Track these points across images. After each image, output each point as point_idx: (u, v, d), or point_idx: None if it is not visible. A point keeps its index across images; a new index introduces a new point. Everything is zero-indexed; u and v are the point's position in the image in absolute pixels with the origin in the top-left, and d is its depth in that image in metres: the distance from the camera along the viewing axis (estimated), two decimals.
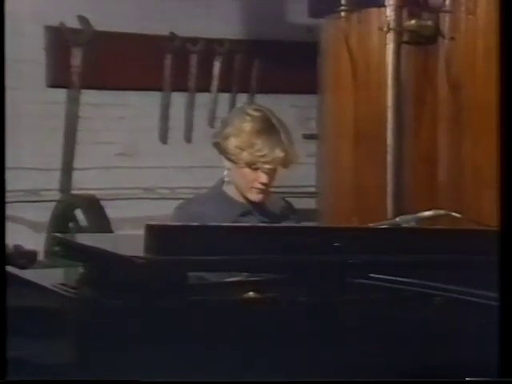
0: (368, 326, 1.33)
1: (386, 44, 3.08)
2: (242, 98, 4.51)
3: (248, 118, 2.33)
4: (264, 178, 2.32)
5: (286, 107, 4.49)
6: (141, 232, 1.46)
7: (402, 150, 3.07)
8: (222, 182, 2.43)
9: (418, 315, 1.38)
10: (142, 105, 4.44)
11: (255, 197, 2.37)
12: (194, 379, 1.30)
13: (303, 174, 4.45)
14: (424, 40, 3.08)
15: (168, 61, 4.44)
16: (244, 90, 4.50)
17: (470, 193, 2.88)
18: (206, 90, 4.46)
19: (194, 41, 4.46)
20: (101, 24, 4.26)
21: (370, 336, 1.30)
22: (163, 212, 4.42)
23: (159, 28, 4.38)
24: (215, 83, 4.47)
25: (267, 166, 2.31)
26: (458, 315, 1.37)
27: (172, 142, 4.48)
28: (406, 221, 2.02)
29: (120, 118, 4.45)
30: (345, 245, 1.47)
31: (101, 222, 3.96)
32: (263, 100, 4.47)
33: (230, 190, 2.39)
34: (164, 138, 4.48)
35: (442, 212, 2.07)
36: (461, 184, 2.92)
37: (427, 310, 1.40)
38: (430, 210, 2.03)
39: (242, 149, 2.31)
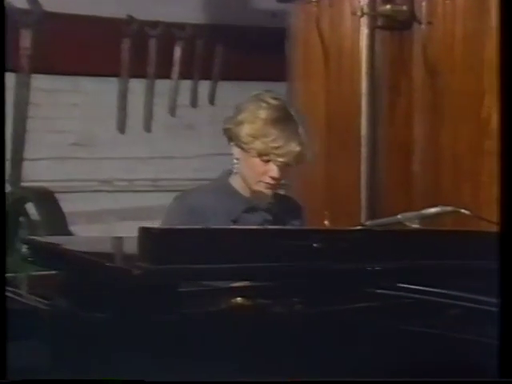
0: (364, 334, 1.30)
1: (359, 29, 3.08)
2: (204, 86, 4.48)
3: (264, 105, 2.25)
4: (275, 172, 2.23)
5: (249, 95, 4.47)
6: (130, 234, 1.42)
7: (377, 139, 3.07)
8: (229, 173, 2.33)
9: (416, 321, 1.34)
10: (98, 91, 4.37)
11: (263, 191, 2.28)
12: None
13: None
14: (399, 25, 3.07)
15: (125, 45, 4.39)
16: (206, 77, 4.47)
17: (448, 184, 2.89)
18: (167, 76, 4.41)
19: (154, 24, 4.41)
20: (51, 5, 4.18)
21: (365, 342, 1.27)
22: (121, 205, 4.41)
23: (116, 10, 4.32)
24: (176, 70, 4.42)
25: (280, 160, 2.22)
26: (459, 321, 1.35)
27: (130, 131, 4.42)
28: (408, 218, 1.94)
29: (74, 106, 4.38)
30: (336, 248, 1.43)
31: (55, 217, 3.89)
32: (226, 88, 4.47)
33: (237, 183, 2.30)
34: (121, 127, 4.42)
35: (448, 209, 2.02)
36: (439, 175, 2.93)
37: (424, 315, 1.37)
38: (435, 206, 1.98)
39: (255, 137, 2.22)
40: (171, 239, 1.40)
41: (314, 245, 1.41)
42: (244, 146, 2.24)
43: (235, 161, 2.29)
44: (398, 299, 1.40)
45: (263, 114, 2.23)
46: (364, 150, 3.04)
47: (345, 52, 3.14)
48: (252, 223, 2.29)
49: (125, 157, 4.37)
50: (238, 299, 1.33)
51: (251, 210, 2.31)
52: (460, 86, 2.86)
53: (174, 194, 4.57)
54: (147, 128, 4.45)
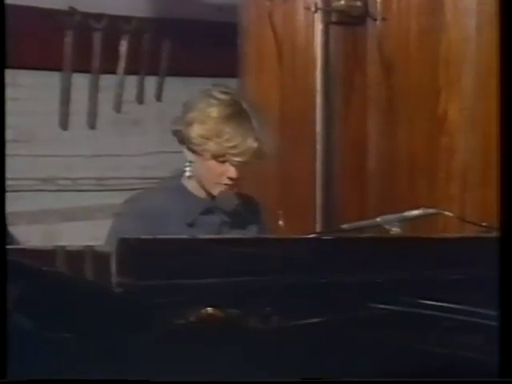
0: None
1: (313, 25, 3.13)
2: (151, 81, 4.49)
3: (214, 101, 2.17)
4: (233, 173, 2.17)
5: (197, 91, 4.49)
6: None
7: (332, 136, 3.13)
8: (181, 173, 2.27)
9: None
10: (39, 86, 4.33)
11: (221, 194, 2.21)
12: None
13: None
14: (353, 21, 3.14)
15: (68, 38, 4.36)
16: (153, 72, 4.47)
17: (404, 181, 2.96)
18: (112, 71, 4.40)
19: (98, 17, 4.39)
20: None
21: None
22: (64, 205, 4.38)
23: (57, 1, 4.29)
24: (121, 64, 4.41)
25: (237, 159, 2.15)
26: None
27: (73, 127, 4.39)
28: (387, 221, 1.93)
29: (12, 100, 4.32)
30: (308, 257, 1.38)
31: None
32: (174, 83, 4.48)
33: (191, 185, 2.25)
34: (64, 123, 4.39)
35: (431, 211, 2.02)
36: (395, 172, 3.00)
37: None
38: (417, 208, 1.98)
39: (208, 138, 2.14)
40: (153, 250, 1.33)
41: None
42: (196, 148, 2.16)
43: (188, 164, 2.22)
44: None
45: (214, 111, 2.15)
46: (319, 147, 3.10)
47: (298, 48, 3.18)
48: (210, 226, 2.23)
49: (68, 154, 4.34)
50: (209, 309, 1.29)
51: (208, 212, 2.25)
52: (415, 83, 2.94)
53: (120, 193, 4.57)
54: (91, 124, 4.43)
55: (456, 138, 2.82)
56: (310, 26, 3.13)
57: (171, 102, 4.48)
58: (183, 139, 2.21)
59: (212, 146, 2.14)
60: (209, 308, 1.26)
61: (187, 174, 2.23)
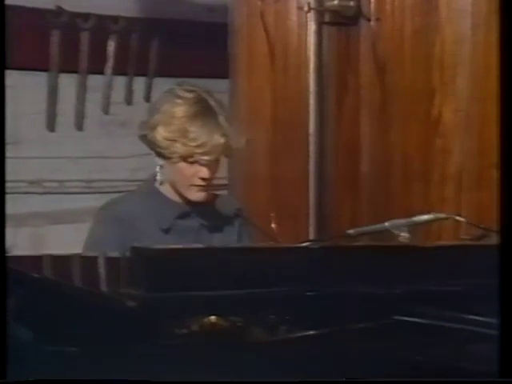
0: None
1: (306, 25, 3.13)
2: (140, 82, 4.47)
3: (179, 101, 2.14)
4: (204, 172, 2.14)
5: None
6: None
7: (325, 138, 3.12)
8: (154, 178, 2.25)
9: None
10: (25, 86, 4.31)
11: (196, 196, 2.19)
12: None
13: None
14: (347, 21, 3.14)
15: (55, 38, 4.34)
16: (142, 72, 4.46)
17: (398, 184, 2.96)
18: (100, 71, 4.38)
19: (85, 17, 4.37)
20: None
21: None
22: (52, 208, 4.36)
23: (43, 0, 4.27)
24: (110, 65, 4.40)
25: (206, 158, 2.12)
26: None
27: (60, 129, 4.37)
28: (396, 226, 1.89)
29: None
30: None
31: None
32: (163, 84, 4.45)
33: (165, 189, 2.22)
34: (51, 124, 4.37)
35: (442, 216, 1.99)
36: (389, 174, 3.00)
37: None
38: (428, 213, 1.96)
39: (174, 140, 2.11)
40: (169, 261, 1.27)
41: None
42: (164, 151, 2.14)
43: (159, 168, 2.21)
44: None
45: (179, 111, 2.11)
46: (312, 149, 3.09)
47: (291, 48, 3.18)
48: (187, 231, 2.20)
49: (55, 156, 4.32)
50: (212, 318, 1.24)
51: (185, 215, 2.21)
52: (409, 84, 2.94)
53: (108, 196, 4.55)
54: (79, 126, 4.41)
55: (451, 139, 2.83)
56: (303, 26, 3.13)
57: None
58: (149, 144, 2.19)
59: (179, 147, 2.11)
60: (212, 317, 1.23)
61: (159, 179, 2.21)
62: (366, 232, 1.99)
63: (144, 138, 2.22)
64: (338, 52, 3.14)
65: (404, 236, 1.89)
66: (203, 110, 2.14)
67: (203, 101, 2.16)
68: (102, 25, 4.38)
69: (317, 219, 3.08)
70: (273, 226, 3.17)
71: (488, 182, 2.65)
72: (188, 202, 2.21)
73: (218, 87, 4.44)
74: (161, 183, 2.22)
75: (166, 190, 2.22)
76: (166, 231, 2.19)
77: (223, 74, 3.82)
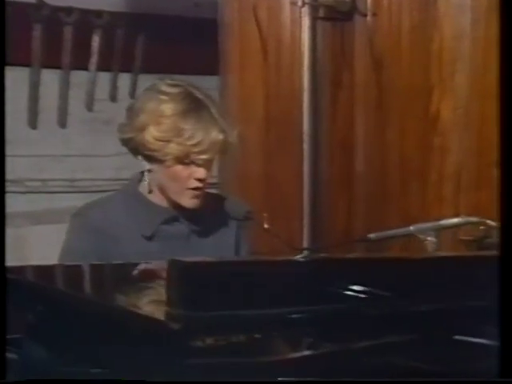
0: None
1: (299, 20, 3.10)
2: (124, 78, 4.42)
3: (164, 97, 1.99)
4: (201, 173, 2.00)
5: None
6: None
7: (319, 137, 3.10)
8: (137, 180, 2.10)
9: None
10: (6, 82, 4.25)
11: (190, 202, 2.04)
12: None
13: None
14: (341, 16, 3.11)
15: (36, 32, 4.28)
16: (127, 69, 4.40)
17: (395, 183, 2.93)
18: (83, 67, 4.32)
19: (68, 11, 4.31)
20: None
21: None
22: (34, 207, 4.30)
23: None
24: (93, 60, 4.34)
25: (204, 157, 1.98)
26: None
27: (43, 126, 4.31)
28: (421, 230, 1.82)
29: None
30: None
31: None
32: (148, 81, 4.40)
33: (151, 194, 2.08)
34: (33, 121, 4.31)
35: (472, 219, 1.89)
36: (385, 174, 2.97)
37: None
38: (456, 216, 1.90)
39: (167, 140, 1.96)
40: (209, 274, 1.16)
41: None
42: (155, 154, 1.99)
43: (146, 173, 2.06)
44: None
45: (167, 109, 1.98)
46: (306, 148, 3.06)
47: (284, 44, 3.15)
48: (173, 237, 2.07)
49: (37, 154, 4.26)
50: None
51: (171, 221, 2.08)
52: (407, 81, 2.91)
53: (92, 195, 4.49)
54: (62, 123, 4.35)
55: (449, 138, 2.80)
56: (297, 21, 3.10)
57: None
58: (137, 147, 2.03)
59: (173, 147, 1.97)
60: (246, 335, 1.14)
61: (146, 185, 2.07)
62: (388, 236, 1.92)
63: (129, 142, 2.05)
64: (333, 48, 3.12)
65: (431, 241, 1.81)
66: (193, 105, 2.01)
67: (190, 95, 2.03)
68: (86, 19, 4.32)
69: (311, 219, 3.05)
70: (265, 226, 3.15)
71: (488, 182, 2.63)
72: (177, 206, 2.07)
73: (207, 84, 4.43)
74: (150, 191, 2.07)
75: (154, 197, 2.08)
76: (150, 238, 2.06)
77: (212, 71, 3.78)
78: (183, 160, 2.00)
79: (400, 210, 2.91)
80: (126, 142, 2.07)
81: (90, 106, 4.36)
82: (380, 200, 2.99)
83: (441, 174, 2.82)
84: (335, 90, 3.11)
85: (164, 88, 2.04)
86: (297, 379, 1.15)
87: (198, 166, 2.01)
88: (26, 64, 4.25)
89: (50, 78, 4.30)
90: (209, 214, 2.12)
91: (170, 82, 2.07)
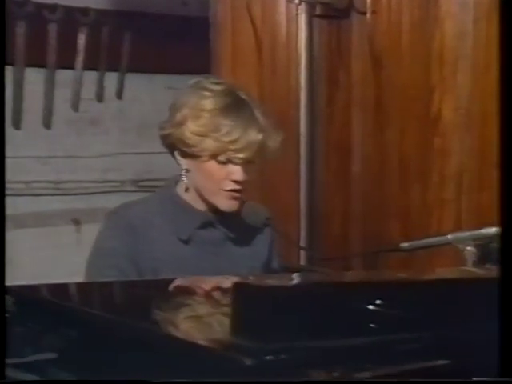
0: None
1: (295, 18, 3.07)
2: (111, 78, 4.37)
3: (207, 93, 1.98)
4: (238, 174, 1.97)
5: (160, 89, 4.41)
6: None
7: (316, 138, 3.07)
8: (175, 181, 2.08)
9: None
10: None
11: (226, 204, 2.01)
12: None
13: (175, 165, 4.39)
14: (338, 14, 3.09)
15: (20, 29, 4.22)
16: (114, 68, 4.36)
17: (395, 187, 2.91)
18: (69, 66, 4.27)
19: (52, 8, 4.26)
20: None
21: None
22: (18, 210, 4.24)
23: None
24: (79, 59, 4.29)
25: (241, 156, 1.95)
26: None
27: (27, 127, 4.25)
28: (460, 239, 1.74)
29: None
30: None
31: None
32: (136, 80, 4.38)
33: (189, 195, 2.06)
34: (17, 122, 4.25)
35: None
36: (384, 176, 2.95)
37: None
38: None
39: (205, 135, 1.95)
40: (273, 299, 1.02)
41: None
42: (192, 150, 1.98)
43: (184, 173, 2.04)
44: None
45: (208, 103, 1.97)
46: (302, 149, 3.03)
47: (279, 42, 3.12)
48: (208, 242, 2.05)
49: (21, 156, 4.19)
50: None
51: (207, 225, 2.05)
52: (407, 80, 2.89)
53: (77, 198, 4.45)
54: (46, 124, 4.30)
55: (450, 138, 2.78)
56: (293, 19, 3.07)
57: (133, 101, 4.38)
58: (174, 143, 2.02)
59: (209, 143, 1.96)
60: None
61: (184, 184, 2.05)
62: (422, 246, 1.85)
63: (167, 137, 2.04)
64: (330, 46, 3.09)
65: (470, 251, 1.72)
66: (235, 103, 1.99)
67: (233, 93, 2.02)
68: (71, 17, 4.27)
69: (308, 221, 3.02)
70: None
71: (489, 183, 2.61)
72: (214, 210, 2.05)
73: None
74: (186, 189, 2.05)
75: (190, 197, 2.06)
76: (186, 242, 2.04)
77: (202, 70, 3.73)
78: (219, 157, 1.98)
79: (399, 213, 2.88)
80: (164, 139, 2.07)
81: (75, 106, 4.30)
82: (378, 203, 2.96)
83: (442, 176, 2.79)
84: (332, 90, 3.08)
85: (208, 85, 2.04)
86: (297, 379, 1.10)
87: (236, 165, 1.98)
88: (9, 63, 4.19)
89: (34, 77, 4.24)
90: (244, 220, 2.09)
91: (213, 80, 2.08)
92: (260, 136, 1.97)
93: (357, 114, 3.03)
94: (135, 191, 4.35)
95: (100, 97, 4.37)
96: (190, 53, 4.09)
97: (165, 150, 4.62)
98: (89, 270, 2.07)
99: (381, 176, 2.96)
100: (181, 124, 2.00)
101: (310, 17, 3.06)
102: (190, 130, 1.99)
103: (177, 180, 2.09)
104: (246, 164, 1.99)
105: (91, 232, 4.22)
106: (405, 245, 1.85)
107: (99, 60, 4.34)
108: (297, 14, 3.05)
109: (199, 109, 1.98)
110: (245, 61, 3.16)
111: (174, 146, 2.04)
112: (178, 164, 2.06)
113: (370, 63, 2.97)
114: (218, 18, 3.31)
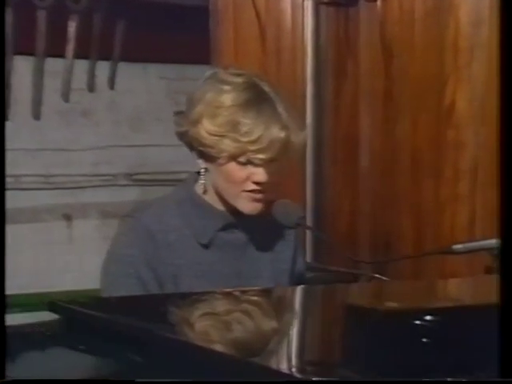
0: None
1: (301, 5, 3.01)
2: (103, 67, 4.30)
3: (227, 87, 1.87)
4: (259, 175, 1.86)
5: (154, 79, 4.35)
6: None
7: (323, 130, 3.02)
8: (194, 180, 1.98)
9: None
10: None
11: (248, 207, 1.90)
12: None
13: (170, 157, 4.35)
14: (346, 1, 3.03)
15: (8, 16, 4.14)
16: (106, 56, 4.28)
17: (406, 182, 2.85)
18: (59, 55, 4.19)
19: None
20: None
21: None
22: (7, 205, 4.17)
23: None
24: (70, 47, 4.21)
25: (262, 156, 1.84)
26: None
27: (15, 118, 4.18)
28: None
29: None
30: None
31: None
32: (129, 70, 4.31)
33: (208, 196, 1.97)
34: (5, 112, 4.18)
35: None
36: (395, 172, 2.89)
37: None
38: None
39: (222, 135, 1.84)
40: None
41: None
42: (210, 150, 1.87)
43: (202, 172, 1.94)
44: None
45: (228, 99, 1.85)
46: (309, 143, 2.97)
47: (284, 31, 3.07)
48: (230, 246, 1.96)
49: (9, 148, 4.08)
50: None
51: (229, 227, 1.96)
52: (418, 70, 2.83)
53: (69, 192, 4.37)
54: (36, 115, 4.22)
55: (465, 131, 2.73)
56: (298, 6, 3.02)
57: (126, 91, 4.32)
58: (191, 142, 1.92)
59: (228, 143, 1.84)
60: None
61: (201, 185, 1.95)
62: (477, 248, 1.78)
63: (184, 135, 1.93)
64: (337, 35, 3.03)
65: None
66: (256, 97, 1.87)
67: (255, 86, 1.89)
68: (61, 4, 4.19)
69: (314, 218, 2.96)
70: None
71: None
72: (235, 211, 1.95)
73: (195, 74, 4.34)
74: (204, 191, 1.96)
75: (209, 198, 1.96)
76: (206, 246, 1.95)
77: (201, 60, 3.68)
78: (239, 159, 1.87)
79: (411, 209, 2.83)
80: (181, 136, 1.96)
81: (66, 97, 4.23)
82: (388, 199, 2.91)
83: (455, 171, 2.74)
84: (340, 81, 3.03)
85: (226, 77, 1.91)
86: (297, 379, 1.10)
87: (256, 166, 1.88)
88: None
89: (22, 66, 4.17)
90: (267, 221, 1.98)
91: (233, 71, 1.95)
92: (283, 133, 1.86)
93: (366, 106, 2.98)
94: (128, 185, 4.29)
95: (91, 87, 4.30)
96: (186, 42, 4.03)
97: (159, 142, 4.58)
98: (105, 278, 1.98)
99: (391, 171, 2.91)
100: (196, 122, 1.89)
101: (317, 4, 3.00)
102: (205, 130, 1.88)
103: (195, 178, 1.99)
104: (268, 163, 1.88)
105: (82, 228, 4.23)
106: (459, 247, 1.75)
107: (91, 48, 4.26)
108: (303, 1, 2.99)
109: (216, 106, 1.87)
110: (248, 50, 3.10)
111: (190, 144, 1.94)
112: (197, 163, 1.97)
113: (380, 53, 2.91)
114: (218, 5, 3.25)
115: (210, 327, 1.42)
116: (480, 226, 2.67)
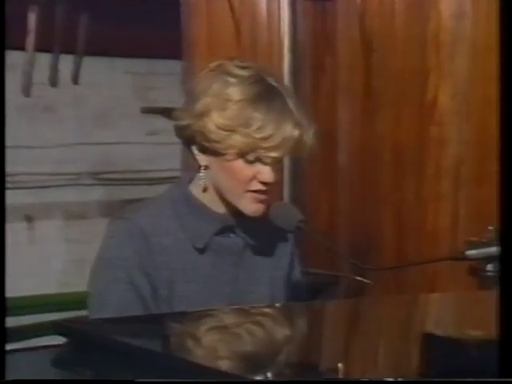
0: None
1: None
2: (67, 60, 4.25)
3: (233, 79, 1.81)
4: (267, 175, 1.80)
5: (120, 73, 4.31)
6: None
7: None
8: (189, 180, 1.92)
9: None
10: None
11: (251, 208, 1.85)
12: None
13: (138, 155, 4.31)
14: None
15: None
16: (69, 50, 4.23)
17: (387, 179, 2.86)
18: (20, 47, 4.14)
19: None
20: None
21: None
22: None
23: None
24: (31, 40, 4.15)
25: (274, 155, 1.78)
26: None
27: None
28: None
29: None
30: None
31: None
32: (94, 64, 4.27)
33: (206, 196, 1.90)
34: None
35: None
36: (375, 169, 2.90)
37: None
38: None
39: (232, 129, 1.78)
40: None
41: None
42: (215, 145, 1.81)
43: (202, 170, 1.87)
44: None
45: (236, 93, 1.79)
46: None
47: (260, 24, 3.06)
48: (227, 250, 1.91)
49: None
50: None
51: (226, 230, 1.91)
52: (399, 64, 2.85)
53: (32, 192, 4.31)
54: None
55: (447, 127, 2.75)
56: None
57: (90, 86, 4.27)
58: (193, 136, 1.85)
59: (238, 139, 1.78)
60: None
61: (201, 184, 1.89)
62: (490, 254, 1.75)
63: (184, 129, 1.86)
64: (314, 29, 3.03)
65: None
66: (266, 92, 1.81)
67: (263, 80, 1.83)
68: None
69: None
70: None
71: (489, 176, 2.57)
72: (235, 213, 1.89)
73: (164, 69, 4.32)
74: (204, 190, 1.88)
75: (207, 198, 1.90)
76: (202, 251, 1.90)
77: (171, 55, 3.66)
78: (247, 156, 1.82)
79: (392, 208, 2.84)
80: (179, 130, 1.89)
81: (27, 91, 4.17)
82: (368, 197, 2.91)
83: (438, 168, 2.75)
84: (317, 75, 3.02)
85: (232, 69, 1.86)
86: (297, 379, 1.13)
87: (264, 165, 1.83)
88: None
89: None
90: (265, 225, 1.92)
91: (239, 63, 1.89)
92: (296, 132, 1.81)
93: (344, 101, 2.98)
94: (93, 184, 4.25)
95: (54, 81, 4.24)
96: (156, 35, 4.00)
97: (126, 140, 4.53)
98: (94, 284, 1.91)
99: (371, 168, 2.91)
100: (202, 115, 1.83)
101: None
102: (214, 123, 1.81)
103: (191, 178, 1.94)
104: (275, 163, 1.84)
105: (45, 229, 4.18)
106: (472, 252, 1.75)
107: (53, 41, 4.21)
108: None
109: (225, 98, 1.81)
110: (222, 44, 3.09)
111: (192, 139, 1.88)
112: (195, 160, 1.90)
113: (359, 46, 2.91)
114: None
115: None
116: (463, 224, 2.69)
